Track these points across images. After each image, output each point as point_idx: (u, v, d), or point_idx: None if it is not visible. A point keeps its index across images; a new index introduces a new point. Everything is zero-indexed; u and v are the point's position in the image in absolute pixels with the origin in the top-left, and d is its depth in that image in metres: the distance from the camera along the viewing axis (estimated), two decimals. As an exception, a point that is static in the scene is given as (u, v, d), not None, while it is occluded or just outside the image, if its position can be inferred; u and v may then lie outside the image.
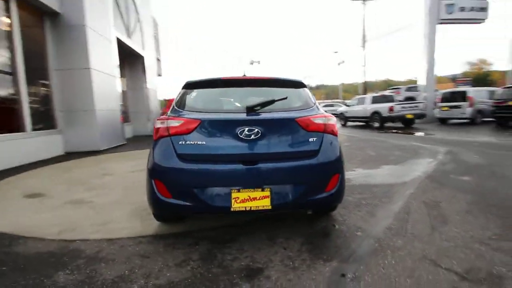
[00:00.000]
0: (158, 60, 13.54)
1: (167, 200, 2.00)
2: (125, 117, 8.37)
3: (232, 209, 1.95)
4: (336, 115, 13.33)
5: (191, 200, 1.98)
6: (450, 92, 12.97)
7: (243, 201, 1.95)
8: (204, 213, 2.30)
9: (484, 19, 13.88)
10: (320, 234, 2.29)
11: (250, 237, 2.26)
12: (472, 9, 13.00)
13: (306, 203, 2.06)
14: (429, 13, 14.58)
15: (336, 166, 2.12)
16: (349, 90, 60.50)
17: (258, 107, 2.13)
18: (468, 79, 31.57)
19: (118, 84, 8.97)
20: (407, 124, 12.38)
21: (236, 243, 2.16)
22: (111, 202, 3.20)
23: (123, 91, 10.74)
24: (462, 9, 12.85)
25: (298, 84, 2.49)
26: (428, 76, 14.73)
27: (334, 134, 2.17)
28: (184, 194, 1.99)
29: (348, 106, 14.96)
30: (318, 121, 2.12)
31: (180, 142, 2.01)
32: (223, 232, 2.36)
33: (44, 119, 6.91)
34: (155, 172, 2.04)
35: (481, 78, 39.73)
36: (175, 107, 2.34)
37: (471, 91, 11.91)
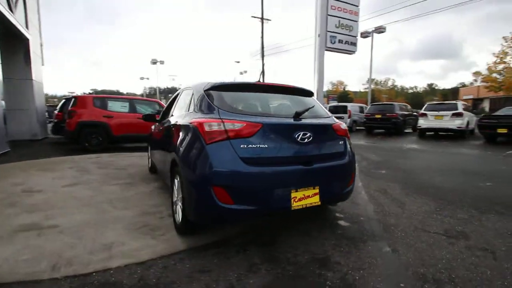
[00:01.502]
0: (41, 45, 10.64)
1: (229, 206, 1.92)
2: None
3: (292, 208, 2.08)
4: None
5: (254, 203, 1.98)
6: (334, 106, 16.43)
7: (300, 199, 2.11)
8: (264, 215, 2.31)
9: (354, 51, 17.51)
10: (338, 223, 2.70)
11: (287, 235, 2.41)
12: (347, 42, 16.15)
13: (339, 196, 2.43)
14: (319, 40, 17.33)
15: (354, 165, 2.59)
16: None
17: (302, 113, 2.33)
18: (334, 95, 40.18)
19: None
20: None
21: (281, 243, 2.27)
22: (83, 224, 2.54)
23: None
24: (341, 41, 15.77)
25: (311, 94, 2.82)
26: (318, 93, 17.73)
27: (349, 138, 2.64)
28: (248, 198, 1.96)
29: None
30: (343, 127, 2.54)
31: (242, 146, 1.98)
32: (254, 236, 2.40)
33: None
34: (216, 178, 1.91)
35: (343, 95, 51.85)
36: (207, 109, 2.22)
37: (349, 105, 15.48)
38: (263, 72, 26.40)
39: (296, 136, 2.14)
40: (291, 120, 2.23)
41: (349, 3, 14.83)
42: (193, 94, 2.65)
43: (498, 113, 10.04)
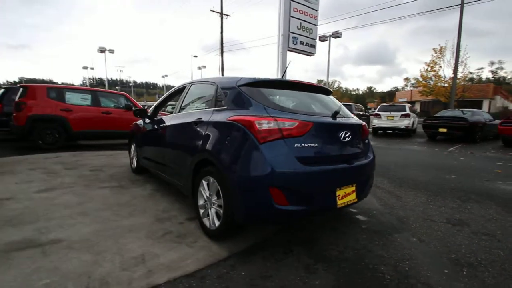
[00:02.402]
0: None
1: (284, 208, 1.86)
2: None
3: (337, 206, 2.11)
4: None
5: (306, 203, 1.95)
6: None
7: (343, 197, 2.16)
8: (312, 215, 2.36)
9: (314, 53, 18.42)
10: (357, 218, 2.82)
11: (319, 233, 2.43)
12: (307, 44, 16.87)
13: (366, 193, 2.54)
14: (282, 40, 17.78)
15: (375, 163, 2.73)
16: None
17: (339, 113, 2.35)
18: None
19: None
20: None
21: (318, 240, 2.29)
22: (92, 236, 2.18)
23: None
24: (302, 42, 16.41)
25: (330, 92, 2.87)
26: None
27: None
28: (302, 198, 1.92)
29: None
30: (366, 127, 2.65)
31: (295, 145, 1.92)
32: (289, 235, 2.38)
33: None
34: (274, 180, 1.82)
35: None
36: (247, 106, 2.10)
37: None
38: (222, 68, 26.03)
39: (339, 135, 2.17)
40: (332, 119, 2.24)
41: (310, 7, 15.45)
42: (217, 90, 2.47)
43: (439, 114, 11.66)
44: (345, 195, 2.17)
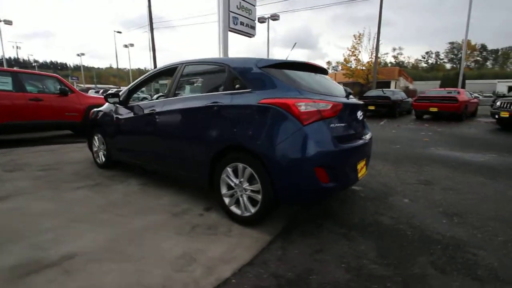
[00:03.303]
0: None
1: (326, 185, 1.96)
2: None
3: (358, 179, 2.33)
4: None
5: (341, 180, 2.10)
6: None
7: (359, 170, 2.38)
8: (342, 190, 2.52)
9: (254, 35, 18.51)
10: (353, 189, 3.14)
11: (332, 206, 2.65)
12: (247, 25, 16.91)
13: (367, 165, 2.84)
14: (222, 20, 17.37)
15: None
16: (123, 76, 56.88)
17: (351, 94, 2.51)
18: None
19: None
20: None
21: (337, 214, 2.50)
22: (110, 243, 1.89)
23: None
24: (242, 23, 16.39)
25: (327, 72, 2.98)
26: None
27: None
28: (340, 175, 2.06)
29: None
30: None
31: (331, 125, 2.01)
32: (311, 214, 2.53)
33: None
34: (319, 159, 1.89)
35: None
36: (277, 87, 2.07)
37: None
38: (153, 47, 23.64)
39: (357, 114, 2.35)
40: (349, 100, 2.39)
41: (248, -14, 15.18)
42: (230, 71, 2.33)
43: (366, 94, 13.36)
44: (361, 169, 2.41)
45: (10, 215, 2.28)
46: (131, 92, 3.34)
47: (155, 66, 22.64)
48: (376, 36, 17.85)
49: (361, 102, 2.65)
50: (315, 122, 1.93)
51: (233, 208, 2.24)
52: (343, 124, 2.15)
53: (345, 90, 2.57)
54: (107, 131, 3.53)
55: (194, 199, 2.70)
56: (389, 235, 2.10)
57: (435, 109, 10.67)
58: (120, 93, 3.32)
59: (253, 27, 18.82)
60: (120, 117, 3.31)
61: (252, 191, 2.10)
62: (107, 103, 3.51)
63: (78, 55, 54.06)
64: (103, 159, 3.70)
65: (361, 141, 2.36)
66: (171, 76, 2.89)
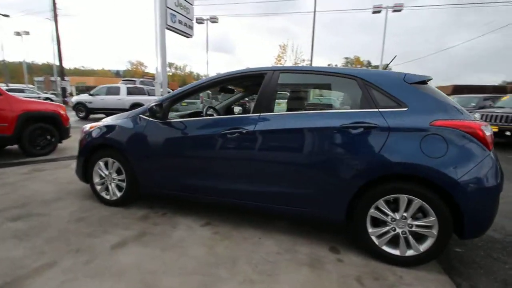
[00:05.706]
0: None
1: None
2: None
3: None
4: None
5: None
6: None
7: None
8: None
9: (192, 35, 17.86)
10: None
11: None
12: (185, 24, 16.33)
13: None
14: (159, 16, 16.14)
15: None
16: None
17: None
18: (150, 79, 37.36)
19: None
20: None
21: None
22: None
23: None
24: (180, 22, 15.77)
25: None
26: (163, 74, 15.46)
27: None
28: None
29: (92, 95, 12.50)
30: None
31: None
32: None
33: None
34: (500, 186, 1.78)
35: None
36: (439, 108, 1.87)
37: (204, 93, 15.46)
38: (58, 39, 18.76)
39: None
40: None
41: (184, -18, 14.44)
42: (366, 85, 1.98)
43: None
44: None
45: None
46: (173, 102, 2.50)
47: (60, 61, 17.97)
48: (312, 47, 19.32)
49: None
50: (491, 146, 1.82)
51: (386, 248, 1.88)
52: None
53: None
54: (135, 154, 2.52)
55: (307, 238, 2.18)
56: None
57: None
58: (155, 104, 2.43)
59: (191, 27, 17.97)
60: (166, 135, 2.42)
61: (422, 226, 1.79)
62: (118, 116, 2.58)
63: None
64: (118, 193, 2.64)
65: None
66: (251, 83, 2.29)
